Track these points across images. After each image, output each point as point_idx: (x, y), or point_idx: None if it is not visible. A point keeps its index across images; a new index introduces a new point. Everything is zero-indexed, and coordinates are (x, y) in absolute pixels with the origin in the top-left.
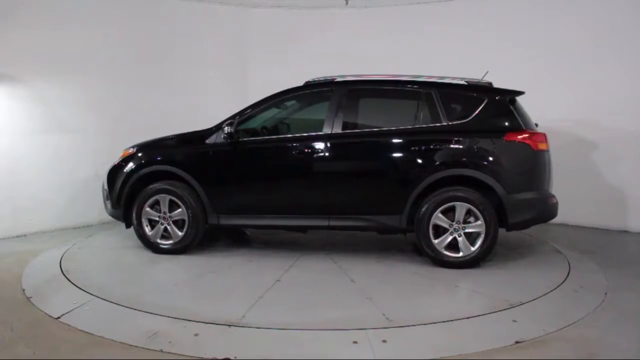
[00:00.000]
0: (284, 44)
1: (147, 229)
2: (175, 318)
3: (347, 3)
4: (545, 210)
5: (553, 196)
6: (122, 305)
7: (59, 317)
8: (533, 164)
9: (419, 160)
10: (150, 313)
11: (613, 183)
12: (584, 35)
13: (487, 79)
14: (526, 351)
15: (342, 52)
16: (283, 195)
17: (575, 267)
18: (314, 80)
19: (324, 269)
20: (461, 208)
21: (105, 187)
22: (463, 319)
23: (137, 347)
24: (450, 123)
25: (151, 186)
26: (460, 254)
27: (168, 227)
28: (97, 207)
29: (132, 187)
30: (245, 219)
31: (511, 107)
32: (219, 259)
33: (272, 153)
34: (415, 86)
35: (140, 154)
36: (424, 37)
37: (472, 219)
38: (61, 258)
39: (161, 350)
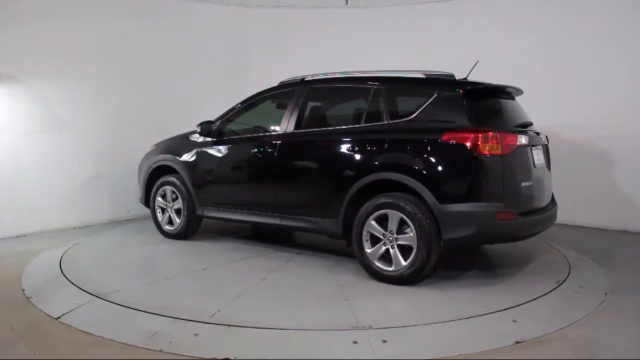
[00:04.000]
0: (284, 44)
1: (159, 215)
2: (175, 318)
3: (347, 3)
4: (491, 228)
5: (511, 212)
6: (122, 305)
7: (58, 317)
8: (473, 170)
9: (350, 163)
10: (150, 313)
11: (613, 183)
12: (585, 34)
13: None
14: (526, 351)
15: (342, 52)
16: (242, 192)
17: (575, 267)
18: (287, 80)
19: (265, 266)
20: (394, 217)
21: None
22: (463, 319)
23: (137, 347)
24: (390, 122)
25: (161, 179)
26: (392, 267)
27: (171, 215)
28: (97, 207)
29: (149, 178)
30: (220, 213)
31: (467, 102)
32: (199, 246)
33: (234, 152)
34: (365, 83)
35: (154, 150)
36: (424, 36)
37: (408, 229)
38: (61, 258)
39: (161, 350)
